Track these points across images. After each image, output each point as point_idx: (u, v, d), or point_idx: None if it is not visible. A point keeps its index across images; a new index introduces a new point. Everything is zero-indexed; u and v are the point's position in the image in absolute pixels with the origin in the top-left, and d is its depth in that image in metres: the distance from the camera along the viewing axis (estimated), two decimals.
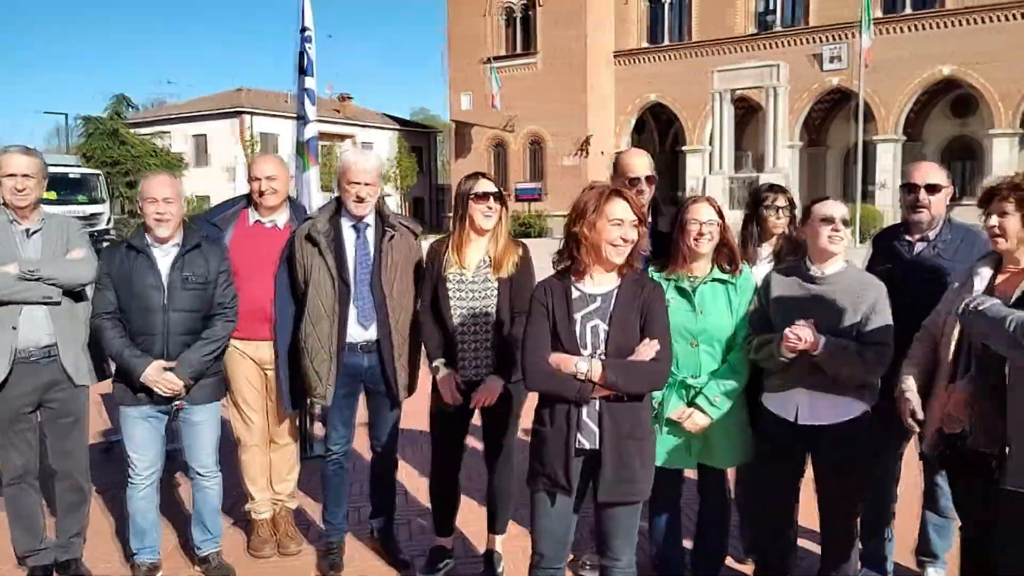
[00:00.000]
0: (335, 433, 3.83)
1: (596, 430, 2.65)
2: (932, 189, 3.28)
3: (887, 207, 28.40)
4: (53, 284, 3.47)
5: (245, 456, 4.07)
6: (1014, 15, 29.47)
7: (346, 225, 3.70)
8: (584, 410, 2.64)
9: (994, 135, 30.18)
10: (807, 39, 33.63)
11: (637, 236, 2.65)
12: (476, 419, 3.71)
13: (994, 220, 2.68)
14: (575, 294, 2.70)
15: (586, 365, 2.58)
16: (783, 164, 26.88)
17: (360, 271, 3.66)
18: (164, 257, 3.54)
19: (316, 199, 5.46)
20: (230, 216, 3.98)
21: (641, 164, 3.76)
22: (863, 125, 27.47)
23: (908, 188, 3.34)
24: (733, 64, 30.97)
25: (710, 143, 36.79)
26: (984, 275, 2.73)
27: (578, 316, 2.66)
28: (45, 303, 3.48)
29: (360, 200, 3.62)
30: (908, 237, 3.40)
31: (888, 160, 31.88)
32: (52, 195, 21.13)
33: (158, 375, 3.46)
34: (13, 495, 3.64)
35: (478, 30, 39.56)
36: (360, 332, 3.67)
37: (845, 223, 2.99)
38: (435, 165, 53.76)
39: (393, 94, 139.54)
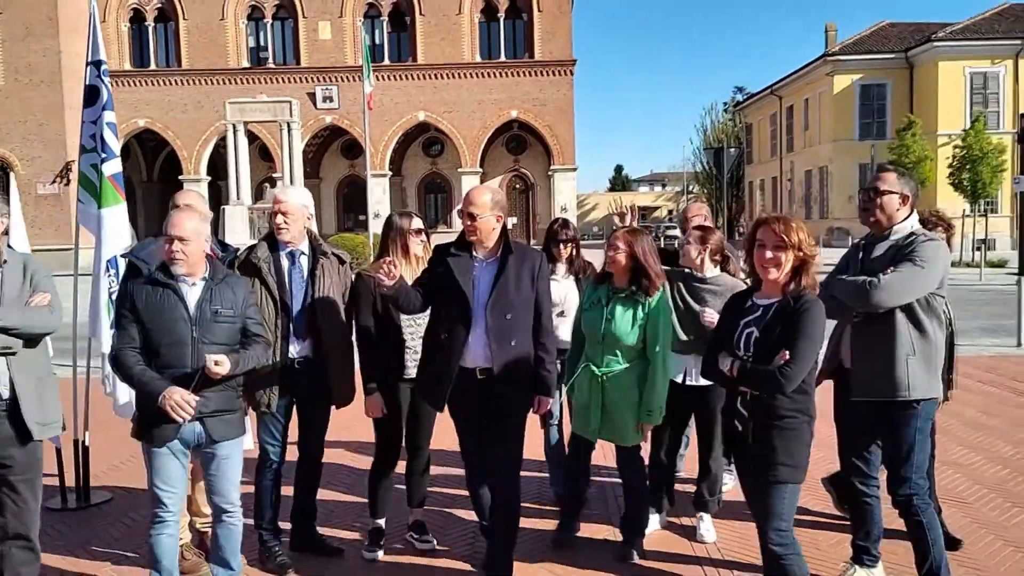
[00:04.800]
0: (276, 443, 4.12)
1: (745, 415, 3.12)
2: None
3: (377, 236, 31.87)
4: (15, 334, 3.13)
5: None
6: (471, 74, 35.80)
7: (282, 253, 4.10)
8: (737, 399, 3.14)
9: (462, 172, 36.04)
10: (301, 78, 35.67)
11: (784, 260, 3.02)
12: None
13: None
14: (748, 303, 3.21)
15: (726, 364, 3.09)
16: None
17: (295, 293, 4.07)
18: (191, 291, 3.36)
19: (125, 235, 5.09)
20: (157, 251, 3.80)
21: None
22: (355, 161, 30.14)
23: None
24: (235, 97, 31.27)
25: (209, 173, 36.56)
26: None
27: (742, 322, 3.15)
28: (3, 354, 3.13)
29: (279, 227, 4.02)
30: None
31: (379, 192, 35.49)
32: None
33: (177, 398, 3.18)
34: None
35: None
36: (296, 348, 4.06)
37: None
38: None
39: None
